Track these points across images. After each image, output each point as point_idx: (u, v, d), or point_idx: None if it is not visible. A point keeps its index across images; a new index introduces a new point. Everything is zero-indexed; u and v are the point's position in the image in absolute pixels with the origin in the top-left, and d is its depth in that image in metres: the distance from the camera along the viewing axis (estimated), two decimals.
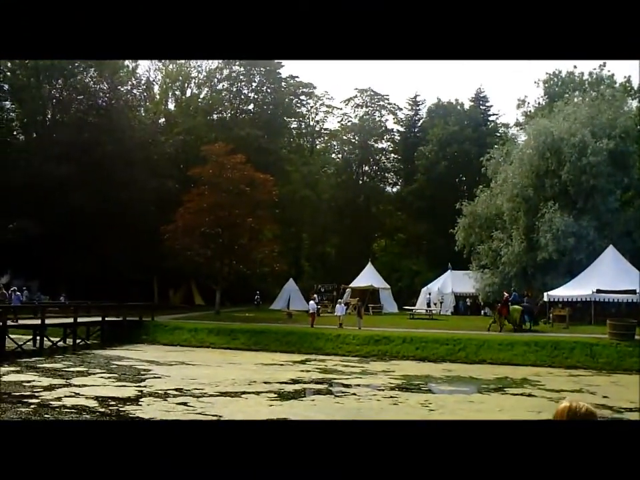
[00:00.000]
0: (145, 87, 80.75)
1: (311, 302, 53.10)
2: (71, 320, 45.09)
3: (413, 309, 59.53)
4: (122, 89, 73.07)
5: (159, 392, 27.21)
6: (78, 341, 44.88)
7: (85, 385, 28.12)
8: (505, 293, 50.88)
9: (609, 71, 75.97)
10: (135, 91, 76.70)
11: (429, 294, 62.82)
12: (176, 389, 27.89)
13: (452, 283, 64.68)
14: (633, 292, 45.96)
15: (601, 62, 77.55)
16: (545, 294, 49.47)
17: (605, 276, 47.47)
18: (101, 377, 30.98)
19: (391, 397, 27.43)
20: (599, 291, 46.50)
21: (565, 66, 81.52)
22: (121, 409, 23.51)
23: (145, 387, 28.58)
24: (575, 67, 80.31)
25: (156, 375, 32.11)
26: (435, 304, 62.41)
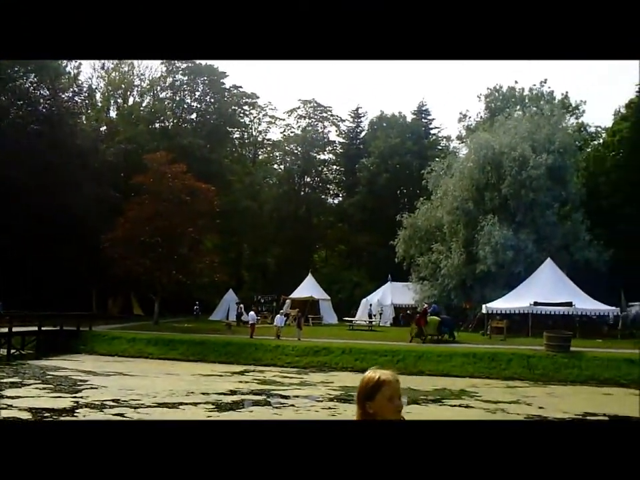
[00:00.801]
0: (86, 94, 79.78)
1: (251, 313, 53.02)
2: (5, 330, 44.27)
3: (352, 320, 59.60)
4: (63, 96, 72.09)
5: (96, 403, 26.85)
6: (12, 351, 44.06)
7: (18, 397, 27.58)
8: (425, 304, 51.56)
9: (549, 87, 77.11)
10: (76, 98, 75.72)
11: (370, 305, 62.95)
12: (113, 400, 27.54)
13: (392, 295, 64.89)
14: (569, 304, 46.65)
15: (541, 78, 78.78)
16: (484, 306, 49.93)
17: (542, 288, 48.12)
18: (36, 388, 30.46)
19: (330, 407, 27.37)
20: (536, 304, 47.10)
21: (506, 81, 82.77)
22: (55, 420, 23.14)
23: (81, 397, 28.17)
24: (516, 82, 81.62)
25: (93, 386, 31.68)
26: (375, 315, 62.53)
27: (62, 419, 22.93)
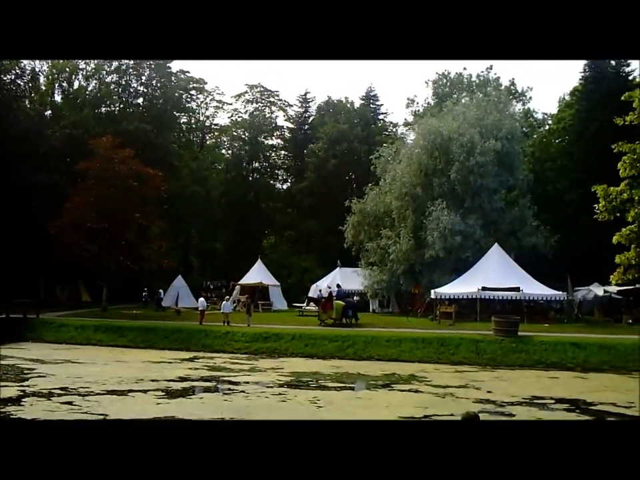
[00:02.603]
0: (30, 77, 78.47)
1: (201, 299, 52.85)
2: None
3: (302, 306, 59.57)
4: (5, 78, 70.90)
5: (43, 391, 26.64)
6: None
7: None
8: (329, 288, 52.04)
9: (495, 73, 77.78)
10: (19, 81, 74.53)
11: (320, 290, 62.98)
12: (61, 388, 27.34)
13: (341, 280, 64.94)
14: (517, 289, 47.09)
15: (487, 64, 79.34)
16: (432, 291, 50.20)
17: (490, 274, 48.55)
18: None
19: (280, 394, 27.45)
20: (484, 289, 47.48)
21: (454, 67, 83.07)
22: (1, 410, 22.86)
23: (28, 386, 27.91)
24: (465, 68, 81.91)
25: (40, 374, 31.42)
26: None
27: (11, 412, 22.54)
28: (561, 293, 48.60)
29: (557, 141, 73.08)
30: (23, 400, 24.66)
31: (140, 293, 67.62)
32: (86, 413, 22.30)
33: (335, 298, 50.81)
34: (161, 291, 63.46)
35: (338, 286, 57.42)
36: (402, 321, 49.72)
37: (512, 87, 79.03)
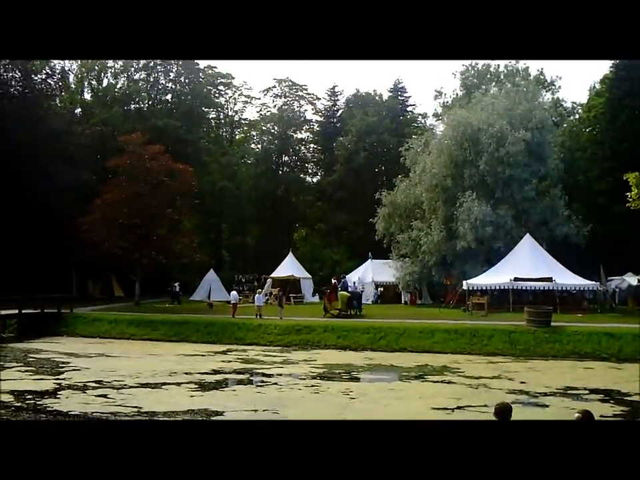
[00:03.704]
0: (59, 75, 78.79)
1: (233, 292, 52.98)
2: None
3: None
4: (36, 78, 71.39)
5: (78, 384, 26.85)
6: None
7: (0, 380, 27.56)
8: (334, 280, 52.12)
9: (524, 63, 77.12)
10: (49, 80, 74.86)
11: (353, 283, 62.99)
12: (95, 381, 27.55)
13: (373, 272, 64.93)
14: (549, 279, 46.81)
15: None
16: (464, 282, 50.04)
17: (522, 264, 48.29)
18: (18, 371, 30.43)
19: (313, 385, 27.49)
20: (516, 279, 47.26)
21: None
22: (38, 402, 23.11)
23: (63, 379, 28.16)
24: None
25: (75, 368, 31.67)
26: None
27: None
28: (593, 282, 48.32)
29: (587, 130, 72.40)
30: (59, 393, 24.88)
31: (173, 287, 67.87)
32: (120, 405, 22.47)
33: (340, 289, 51.05)
34: (176, 284, 63.43)
35: (343, 277, 57.45)
36: (434, 312, 49.63)
37: (541, 77, 78.38)
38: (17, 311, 46.27)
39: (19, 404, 22.88)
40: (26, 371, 30.49)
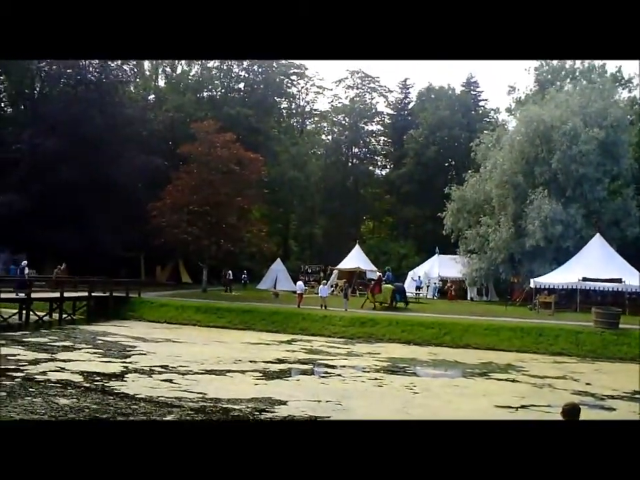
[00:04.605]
0: (135, 62, 79.84)
1: (299, 282, 53.23)
2: (57, 294, 45.01)
3: None
4: (112, 64, 72.33)
5: (144, 368, 27.19)
6: (64, 315, 44.98)
7: (70, 360, 28.07)
8: (379, 273, 52.07)
9: (601, 60, 75.96)
10: (125, 67, 75.78)
11: (419, 277, 62.85)
12: (161, 366, 27.87)
13: (439, 267, 64.74)
14: (619, 281, 46.22)
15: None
16: (532, 280, 49.69)
17: (591, 264, 47.75)
18: (87, 352, 30.92)
19: (376, 378, 27.47)
20: (585, 279, 46.76)
21: None
22: (105, 384, 23.47)
23: (130, 363, 28.54)
24: None
25: (141, 352, 32.07)
26: (422, 287, 62.37)
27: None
28: None
29: None
30: (126, 376, 25.25)
31: (240, 274, 68.30)
32: (185, 391, 22.71)
33: (384, 282, 51.36)
34: (230, 272, 63.66)
35: (388, 270, 57.48)
36: (499, 309, 49.28)
37: (617, 74, 77.06)
38: (87, 294, 47.08)
39: (87, 384, 23.29)
40: (94, 353, 30.97)
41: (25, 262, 46.98)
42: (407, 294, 56.02)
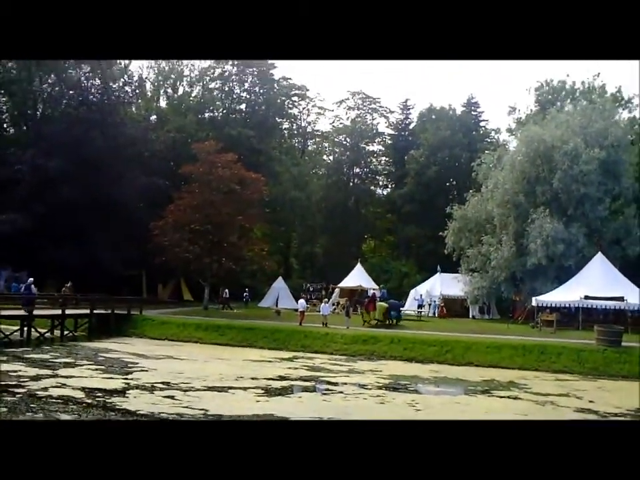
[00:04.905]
0: (137, 84, 79.95)
1: (301, 300, 53.28)
2: (59, 311, 45.07)
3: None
4: (114, 86, 72.72)
5: (146, 385, 27.15)
6: (65, 332, 44.97)
7: (71, 376, 28.02)
8: (373, 291, 52.27)
9: (601, 80, 76.31)
10: (127, 88, 76.04)
11: (420, 295, 62.90)
12: (163, 382, 27.82)
13: (441, 286, 64.77)
14: (621, 299, 46.19)
15: (594, 72, 77.92)
16: (534, 298, 49.72)
17: (593, 282, 47.78)
18: (88, 369, 30.87)
19: (378, 395, 27.41)
20: (587, 297, 46.75)
21: (556, 74, 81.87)
22: (107, 400, 23.44)
23: (131, 379, 28.49)
24: (568, 75, 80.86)
25: (143, 368, 32.02)
26: (424, 305, 62.37)
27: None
28: None
29: None
30: (128, 392, 25.22)
31: (241, 293, 68.33)
32: (187, 407, 22.67)
33: (379, 300, 51.79)
34: (226, 290, 63.62)
35: (383, 287, 57.70)
36: (502, 327, 49.27)
37: (617, 94, 77.31)
38: (88, 311, 47.15)
39: (89, 400, 23.26)
40: (96, 369, 30.93)
41: (31, 279, 47.00)
42: (409, 312, 56.11)
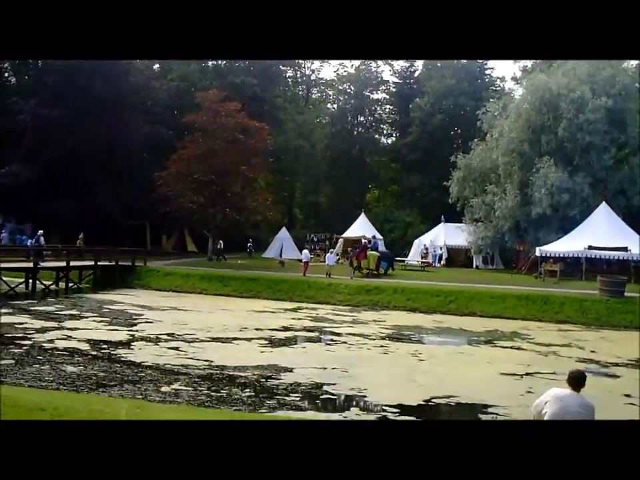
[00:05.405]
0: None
1: (305, 251, 53.24)
2: (63, 263, 45.13)
3: (405, 260, 59.57)
4: None
5: (151, 336, 27.33)
6: (70, 284, 45.05)
7: (77, 328, 28.23)
8: (364, 240, 52.11)
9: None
10: None
11: (424, 245, 62.90)
12: (168, 334, 28.01)
13: (445, 236, 64.70)
14: (624, 249, 46.14)
15: None
16: (537, 249, 49.67)
17: (597, 233, 47.65)
18: (93, 321, 31.06)
19: (382, 346, 27.59)
20: (590, 247, 46.68)
21: None
22: (112, 352, 23.62)
23: (136, 331, 28.68)
24: None
25: (148, 320, 32.20)
26: (427, 255, 62.43)
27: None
28: None
29: None
30: (132, 344, 25.39)
31: (245, 243, 68.36)
32: (191, 358, 22.84)
33: (370, 249, 51.42)
34: (221, 242, 63.07)
35: (374, 237, 57.41)
36: (505, 277, 49.35)
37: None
38: (93, 263, 47.23)
39: (94, 352, 23.45)
40: (101, 321, 31.11)
41: (41, 231, 47.01)
42: (413, 262, 56.05)
